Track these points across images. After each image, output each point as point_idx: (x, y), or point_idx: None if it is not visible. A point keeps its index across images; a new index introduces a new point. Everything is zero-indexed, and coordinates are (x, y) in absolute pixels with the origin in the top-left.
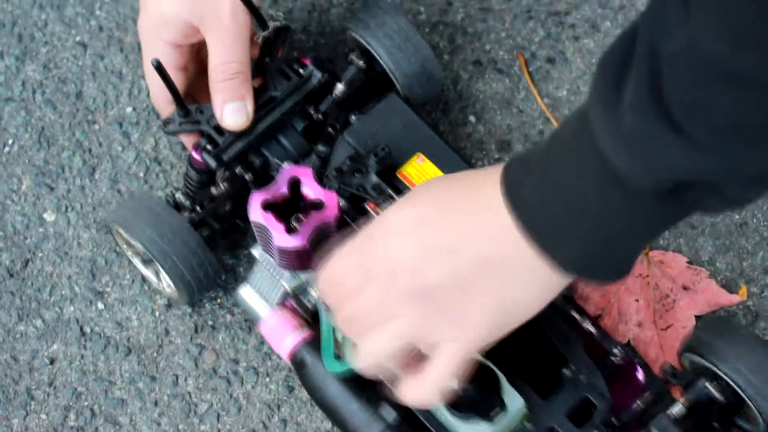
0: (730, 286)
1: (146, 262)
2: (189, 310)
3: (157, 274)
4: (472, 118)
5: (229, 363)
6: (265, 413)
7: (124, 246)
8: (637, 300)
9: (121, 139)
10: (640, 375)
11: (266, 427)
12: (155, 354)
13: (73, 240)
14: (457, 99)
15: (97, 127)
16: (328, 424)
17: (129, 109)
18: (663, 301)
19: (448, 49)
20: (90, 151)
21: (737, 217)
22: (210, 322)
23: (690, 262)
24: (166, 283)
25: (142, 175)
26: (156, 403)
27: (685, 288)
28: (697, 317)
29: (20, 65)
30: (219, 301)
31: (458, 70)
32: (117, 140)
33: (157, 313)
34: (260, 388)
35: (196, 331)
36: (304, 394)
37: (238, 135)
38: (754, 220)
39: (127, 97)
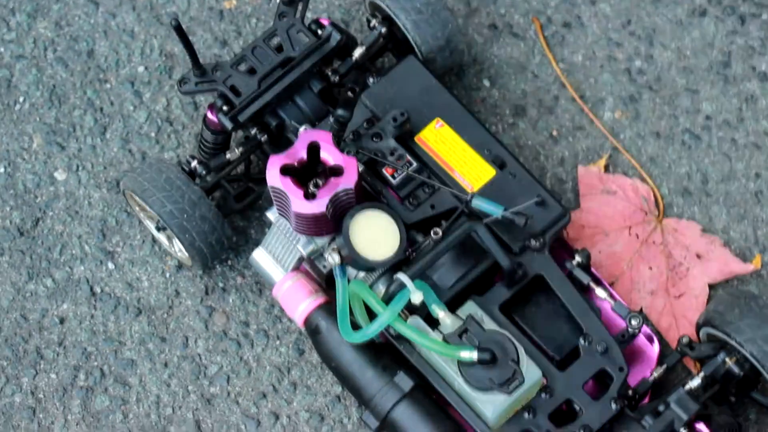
0: (743, 255)
1: (160, 228)
2: (200, 271)
3: (170, 239)
4: (486, 83)
5: (239, 325)
6: (275, 376)
7: (137, 208)
8: (650, 268)
9: (132, 98)
10: (656, 346)
11: (276, 389)
12: (165, 315)
13: (83, 199)
14: (472, 63)
15: (108, 86)
16: (338, 388)
17: (141, 69)
18: (676, 269)
19: (463, 13)
20: (101, 110)
21: (752, 185)
22: (221, 284)
23: (704, 230)
24: (177, 248)
25: (153, 135)
26: (166, 365)
27: (698, 256)
28: (711, 286)
29: (32, 22)
30: (230, 263)
31: (473, 34)
32: (128, 99)
33: (167, 275)
34: (270, 350)
35: (206, 292)
36: (314, 358)
37: (255, 96)
38: None
39: (139, 56)
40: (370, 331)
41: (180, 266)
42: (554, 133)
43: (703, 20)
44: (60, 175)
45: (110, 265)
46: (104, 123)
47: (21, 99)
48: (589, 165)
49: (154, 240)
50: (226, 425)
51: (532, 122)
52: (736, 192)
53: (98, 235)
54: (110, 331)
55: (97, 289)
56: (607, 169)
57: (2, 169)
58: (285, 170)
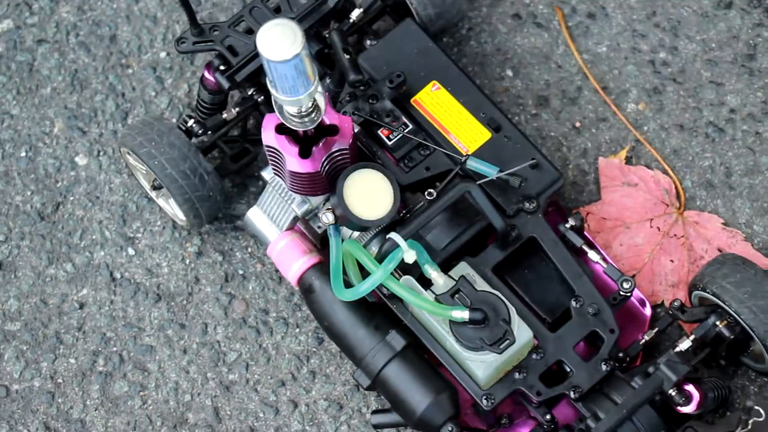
0: (765, 249)
1: (156, 187)
2: (220, 258)
3: (166, 199)
4: (509, 72)
5: (258, 313)
6: (294, 364)
7: (133, 165)
8: (671, 261)
9: (154, 83)
10: (648, 310)
11: (295, 377)
12: (185, 302)
13: (104, 184)
14: (495, 52)
15: (130, 71)
16: None
17: (163, 54)
18: (697, 262)
19: (487, 1)
20: (123, 95)
21: None
22: (240, 272)
23: (726, 224)
24: (173, 207)
25: (174, 120)
26: (185, 351)
27: (719, 250)
28: None
29: (54, 6)
30: (250, 250)
31: (497, 24)
32: (150, 85)
33: (187, 261)
34: (290, 338)
35: (226, 279)
36: (333, 346)
37: (252, 56)
38: None
39: (161, 42)
40: (363, 288)
41: (200, 253)
42: (577, 124)
43: (728, 12)
44: (81, 160)
45: (130, 251)
46: (126, 108)
47: (43, 83)
48: (610, 156)
49: (174, 226)
50: (244, 413)
51: (554, 113)
52: (760, 186)
53: (119, 221)
54: (129, 316)
55: (117, 275)
56: (629, 161)
57: (24, 154)
58: (280, 129)
